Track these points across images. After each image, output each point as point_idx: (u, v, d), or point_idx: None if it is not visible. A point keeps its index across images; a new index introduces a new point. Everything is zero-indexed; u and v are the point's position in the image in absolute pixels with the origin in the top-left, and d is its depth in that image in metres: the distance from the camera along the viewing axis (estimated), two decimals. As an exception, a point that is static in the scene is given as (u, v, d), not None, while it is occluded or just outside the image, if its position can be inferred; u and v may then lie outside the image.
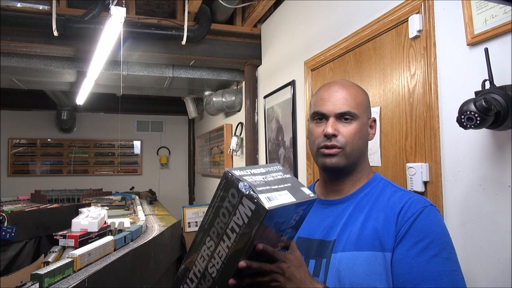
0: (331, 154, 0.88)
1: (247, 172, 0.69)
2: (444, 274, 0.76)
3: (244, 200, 0.62)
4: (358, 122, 0.90)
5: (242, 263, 0.66)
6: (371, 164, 1.64)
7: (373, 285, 0.79)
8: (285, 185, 0.70)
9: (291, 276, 0.72)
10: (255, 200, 0.61)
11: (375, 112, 1.66)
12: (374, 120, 0.97)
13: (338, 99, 0.90)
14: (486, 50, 1.10)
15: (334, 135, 0.88)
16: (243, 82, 3.46)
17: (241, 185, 0.63)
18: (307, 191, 0.72)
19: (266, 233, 0.66)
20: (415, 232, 0.79)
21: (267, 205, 0.61)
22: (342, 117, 0.89)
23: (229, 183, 0.65)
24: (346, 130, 0.88)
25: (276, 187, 0.68)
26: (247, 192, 0.62)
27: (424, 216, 0.81)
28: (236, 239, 0.65)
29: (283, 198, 0.65)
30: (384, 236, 0.81)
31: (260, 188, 0.64)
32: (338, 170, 0.91)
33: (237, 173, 0.66)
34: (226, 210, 0.65)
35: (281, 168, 0.76)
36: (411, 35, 1.46)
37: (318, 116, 0.92)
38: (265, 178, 0.69)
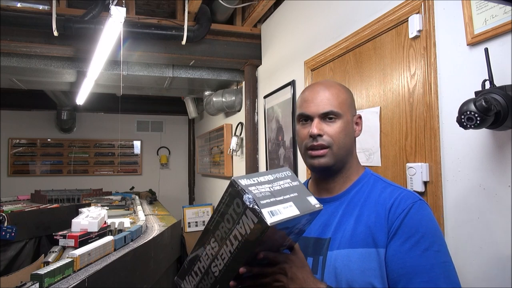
0: (319, 155, 0.91)
1: (253, 180, 0.69)
2: (436, 266, 0.78)
3: (248, 212, 0.63)
4: (342, 120, 0.92)
5: (242, 269, 0.68)
6: (371, 164, 1.65)
7: (368, 281, 0.81)
8: (291, 195, 0.70)
9: (294, 276, 0.73)
10: (258, 215, 0.62)
11: (375, 112, 1.66)
12: (360, 117, 0.99)
13: (321, 100, 0.92)
14: (486, 50, 1.10)
15: (320, 135, 0.90)
16: (243, 82, 3.46)
17: (245, 197, 0.64)
18: (313, 201, 0.72)
19: (271, 237, 0.67)
20: (406, 228, 0.82)
21: (269, 220, 0.62)
22: (326, 116, 0.91)
23: (234, 192, 0.66)
24: (331, 129, 0.91)
25: (281, 198, 0.68)
26: (251, 206, 0.63)
27: (414, 212, 0.83)
28: (238, 246, 0.66)
29: (287, 211, 0.66)
30: (377, 233, 0.84)
31: (265, 201, 0.65)
32: (326, 170, 0.93)
33: (243, 182, 0.66)
34: (231, 217, 0.66)
35: (290, 174, 0.76)
36: (411, 35, 1.46)
37: (303, 118, 0.95)
38: (272, 187, 0.69)
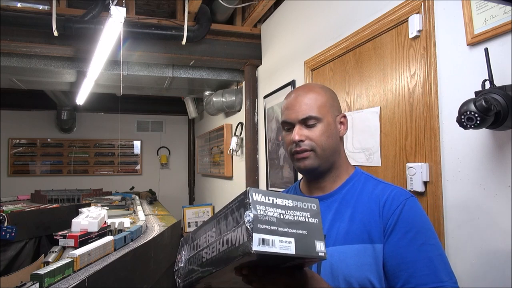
0: (304, 157, 0.94)
1: (268, 199, 0.65)
2: (434, 259, 0.83)
3: (243, 227, 0.62)
4: (323, 123, 0.95)
5: (245, 271, 0.67)
6: (371, 164, 1.65)
7: (364, 276, 0.84)
8: (299, 231, 0.65)
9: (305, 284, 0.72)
10: (248, 236, 0.60)
11: (375, 112, 1.66)
12: (344, 116, 1.01)
13: (299, 106, 0.95)
14: (486, 50, 1.10)
15: (301, 140, 0.94)
16: (243, 82, 3.46)
17: (247, 213, 0.62)
18: (320, 247, 0.66)
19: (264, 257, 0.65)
20: (403, 224, 0.85)
21: (255, 247, 0.59)
22: (306, 122, 0.94)
23: (243, 202, 0.64)
24: (312, 134, 0.94)
25: (285, 230, 0.63)
26: (247, 224, 0.61)
27: (408, 208, 0.87)
28: (227, 250, 0.65)
29: (281, 246, 0.61)
30: (372, 229, 0.87)
31: (263, 226, 0.61)
32: (313, 171, 0.96)
33: (255, 197, 0.64)
34: (231, 222, 0.66)
35: (314, 209, 0.69)
36: (411, 35, 1.46)
37: (286, 126, 0.98)
38: (283, 215, 0.65)
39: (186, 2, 2.77)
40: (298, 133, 0.94)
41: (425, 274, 0.81)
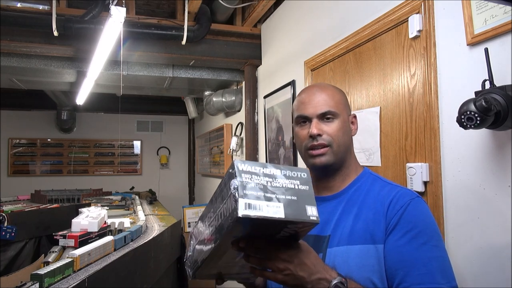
0: (320, 154, 0.93)
1: (255, 169, 0.65)
2: (433, 260, 0.80)
3: (231, 196, 0.62)
4: (340, 119, 0.95)
5: (242, 243, 0.67)
6: (371, 164, 1.65)
7: (366, 276, 0.83)
8: (288, 197, 0.63)
9: (301, 262, 0.70)
10: (235, 202, 0.61)
11: (375, 112, 1.66)
12: (355, 116, 1.02)
13: (317, 101, 0.95)
14: (486, 50, 1.10)
15: (319, 135, 0.93)
16: (243, 82, 3.46)
17: (233, 181, 0.63)
18: (311, 211, 0.64)
19: (257, 226, 0.64)
20: (405, 223, 0.84)
21: (241, 211, 0.59)
22: (324, 116, 0.94)
23: (231, 174, 0.65)
24: (329, 129, 0.94)
25: (272, 196, 0.62)
26: (233, 192, 0.62)
27: (412, 208, 0.85)
28: (221, 223, 0.66)
29: (269, 210, 0.60)
30: (375, 230, 0.86)
31: (249, 192, 0.61)
32: (327, 168, 0.96)
33: (241, 167, 0.64)
34: (224, 195, 0.66)
35: (304, 177, 0.68)
36: (411, 35, 1.46)
37: (302, 120, 0.97)
38: (271, 182, 0.64)
39: (186, 2, 2.77)
40: (316, 127, 0.93)
41: (421, 273, 0.79)
